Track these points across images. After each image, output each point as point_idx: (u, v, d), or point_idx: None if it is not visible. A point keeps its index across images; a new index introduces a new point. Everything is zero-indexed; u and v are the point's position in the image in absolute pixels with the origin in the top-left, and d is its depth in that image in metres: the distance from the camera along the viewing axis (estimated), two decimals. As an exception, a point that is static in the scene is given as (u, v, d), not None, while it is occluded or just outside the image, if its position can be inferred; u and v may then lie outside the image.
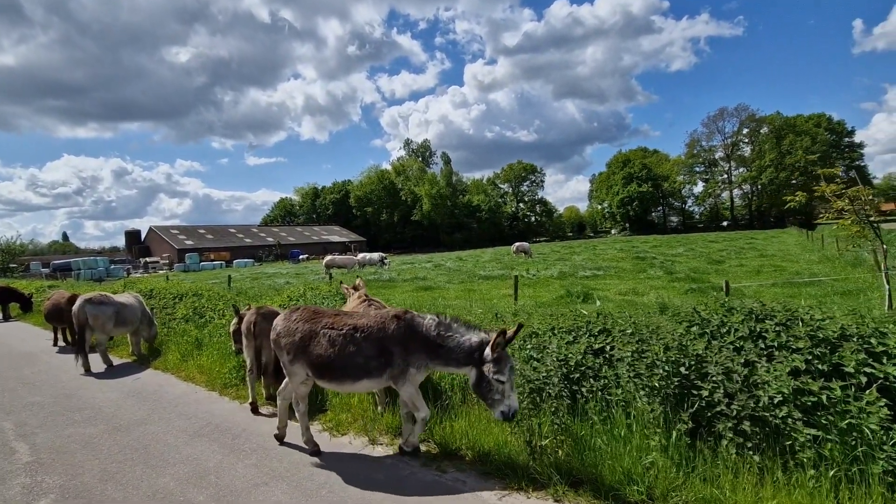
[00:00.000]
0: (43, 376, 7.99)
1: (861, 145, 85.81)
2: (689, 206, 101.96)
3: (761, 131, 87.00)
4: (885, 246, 8.84)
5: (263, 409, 5.73)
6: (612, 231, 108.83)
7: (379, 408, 5.06)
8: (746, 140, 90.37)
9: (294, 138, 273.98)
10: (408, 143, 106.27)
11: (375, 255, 33.95)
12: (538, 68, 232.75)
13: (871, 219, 8.78)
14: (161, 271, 54.66)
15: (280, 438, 4.64)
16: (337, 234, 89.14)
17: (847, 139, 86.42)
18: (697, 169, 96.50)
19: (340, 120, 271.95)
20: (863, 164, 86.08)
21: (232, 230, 79.16)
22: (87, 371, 8.11)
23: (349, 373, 4.07)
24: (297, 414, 4.51)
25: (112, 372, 8.13)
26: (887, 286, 8.54)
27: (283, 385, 4.65)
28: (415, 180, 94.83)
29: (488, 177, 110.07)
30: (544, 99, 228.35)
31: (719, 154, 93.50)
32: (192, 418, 5.49)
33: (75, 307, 8.22)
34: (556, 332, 4.97)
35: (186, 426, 5.24)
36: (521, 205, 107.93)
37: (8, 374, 8.27)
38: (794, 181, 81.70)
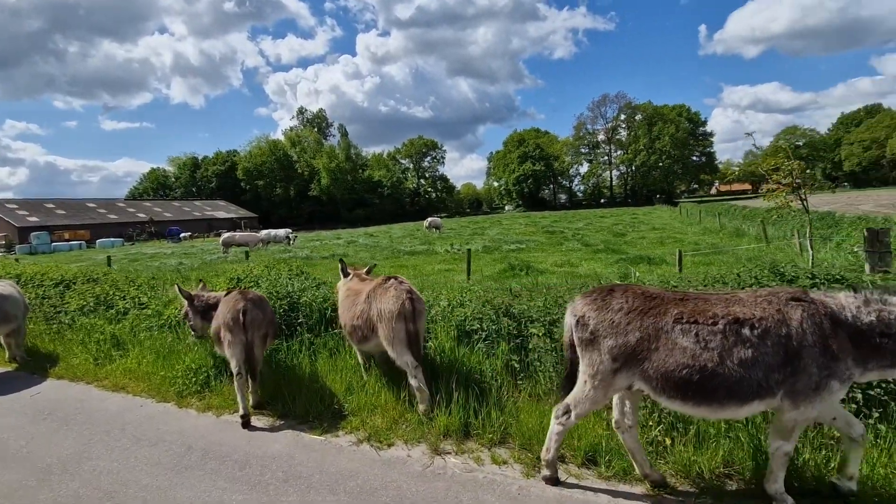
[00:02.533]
0: None
1: (712, 134, 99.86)
2: (576, 185, 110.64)
3: (636, 118, 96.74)
4: (809, 215, 9.96)
5: (256, 421, 4.51)
6: (507, 207, 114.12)
7: (421, 406, 4.20)
8: (624, 125, 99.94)
9: (162, 101, 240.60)
10: (302, 111, 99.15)
11: (281, 232, 31.13)
12: (432, 44, 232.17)
13: (801, 192, 9.79)
14: (-4, 254, 44.54)
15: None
16: (223, 210, 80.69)
17: (701, 129, 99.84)
18: (583, 150, 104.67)
19: (218, 84, 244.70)
20: (712, 150, 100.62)
21: (91, 205, 67.29)
22: (-50, 387, 5.89)
23: (736, 392, 2.65)
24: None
25: (-11, 386, 6.01)
26: (810, 251, 9.72)
27: (573, 401, 3.08)
28: (311, 152, 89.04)
29: (389, 151, 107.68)
30: (438, 76, 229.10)
31: (601, 137, 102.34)
32: (158, 444, 4.09)
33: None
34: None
35: (158, 456, 3.87)
36: (422, 181, 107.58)
37: None
38: (660, 164, 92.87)
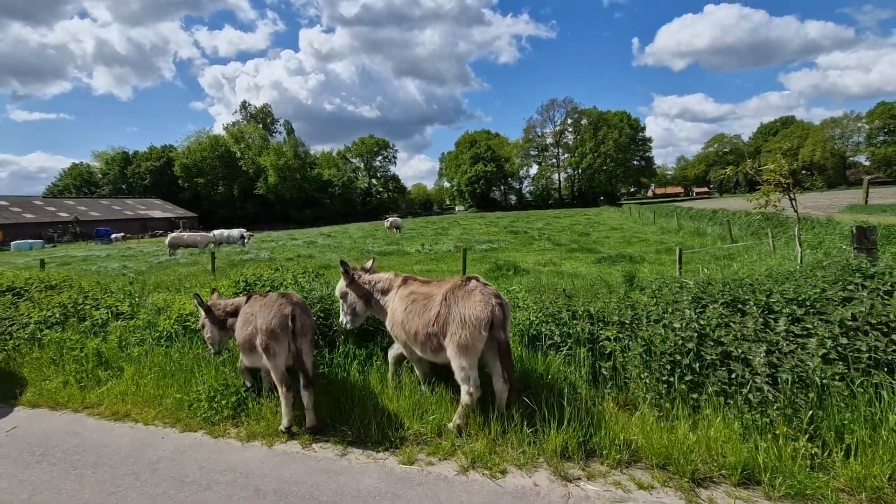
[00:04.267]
0: None
1: (650, 140, 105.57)
2: (527, 187, 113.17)
3: (582, 122, 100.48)
4: (798, 212, 10.43)
5: (321, 449, 3.84)
6: (458, 208, 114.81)
7: (460, 420, 3.71)
8: (571, 129, 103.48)
9: (82, 91, 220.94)
10: (245, 105, 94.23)
11: (234, 232, 29.17)
12: (378, 43, 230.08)
13: (790, 190, 10.22)
14: None
15: None
16: (159, 209, 74.94)
17: (641, 134, 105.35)
18: (532, 152, 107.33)
19: (148, 75, 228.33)
20: (651, 155, 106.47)
21: (3, 203, 60.08)
22: None
23: None
24: None
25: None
26: (799, 248, 10.16)
27: None
28: (256, 149, 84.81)
29: (339, 150, 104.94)
30: (385, 76, 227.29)
31: (550, 140, 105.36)
32: (212, 487, 3.30)
33: None
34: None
35: None
36: (373, 180, 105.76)
37: None
38: (605, 167, 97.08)
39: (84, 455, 3.92)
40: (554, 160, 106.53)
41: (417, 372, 4.61)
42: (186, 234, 26.62)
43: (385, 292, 4.78)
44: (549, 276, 13.30)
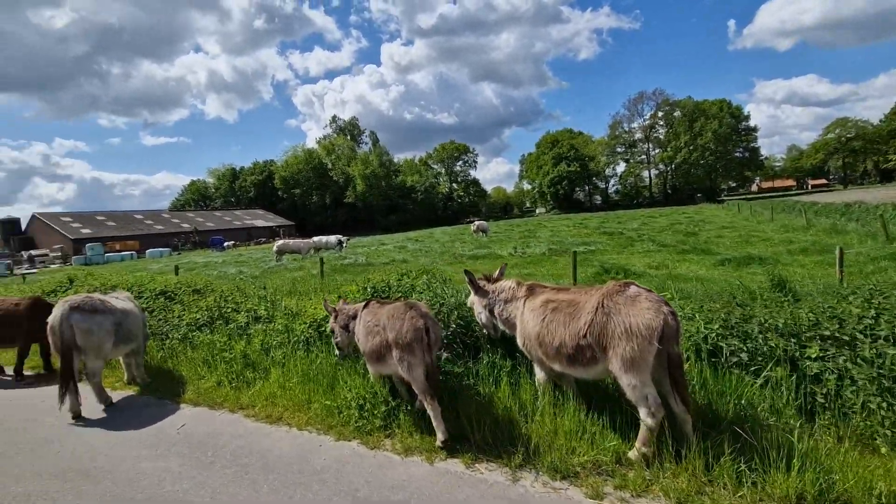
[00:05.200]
0: (5, 433, 4.95)
1: (756, 129, 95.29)
2: (613, 186, 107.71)
3: (675, 114, 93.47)
4: None
5: (466, 470, 3.54)
6: (539, 210, 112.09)
7: (646, 447, 3.13)
8: (662, 122, 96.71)
9: (198, 117, 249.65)
10: (335, 119, 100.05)
11: (332, 238, 30.69)
12: (455, 51, 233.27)
13: None
14: (53, 266, 45.91)
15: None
16: (262, 219, 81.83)
17: (744, 123, 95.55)
18: (619, 150, 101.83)
19: (250, 98, 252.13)
20: (756, 145, 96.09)
21: (138, 216, 69.22)
22: (78, 416, 5.19)
23: None
24: None
25: (121, 415, 5.28)
26: None
27: None
28: (346, 160, 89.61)
29: (420, 157, 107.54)
30: (462, 82, 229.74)
31: (638, 136, 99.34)
32: None
33: (56, 319, 5.18)
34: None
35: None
36: (454, 185, 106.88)
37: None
38: (702, 161, 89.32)
39: (251, 459, 3.98)
40: (643, 156, 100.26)
41: (566, 389, 4.17)
42: (292, 241, 28.49)
43: (508, 302, 4.42)
44: (663, 280, 12.17)
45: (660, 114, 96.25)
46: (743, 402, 3.63)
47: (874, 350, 3.52)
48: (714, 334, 4.20)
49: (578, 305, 3.77)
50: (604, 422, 3.73)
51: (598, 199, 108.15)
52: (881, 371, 3.33)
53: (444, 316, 5.13)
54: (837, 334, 3.78)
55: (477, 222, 39.88)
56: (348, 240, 31.71)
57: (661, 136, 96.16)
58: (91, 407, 5.41)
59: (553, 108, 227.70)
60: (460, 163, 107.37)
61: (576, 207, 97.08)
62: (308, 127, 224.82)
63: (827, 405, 3.51)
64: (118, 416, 5.22)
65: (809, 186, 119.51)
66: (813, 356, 3.79)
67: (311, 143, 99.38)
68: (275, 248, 28.18)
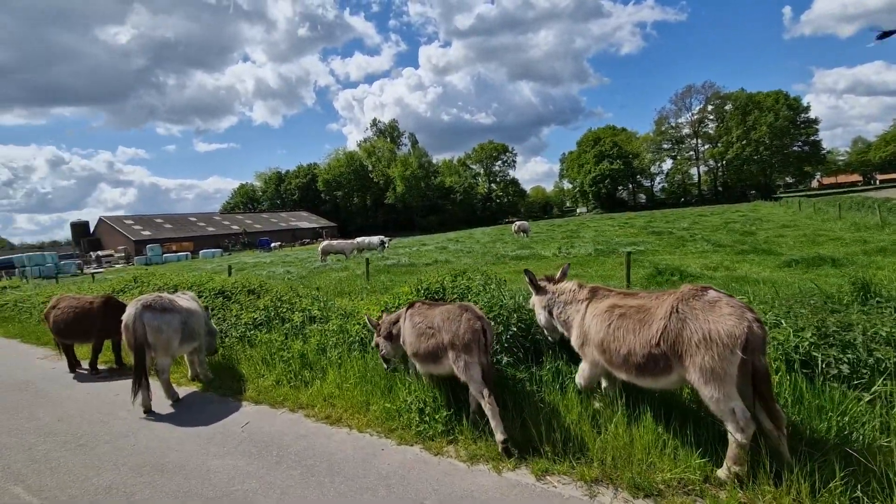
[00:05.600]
0: (79, 425, 5.21)
1: (816, 121, 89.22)
2: (659, 183, 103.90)
3: (726, 108, 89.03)
4: None
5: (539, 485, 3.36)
6: (580, 209, 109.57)
7: (737, 466, 2.81)
8: (712, 116, 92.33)
9: (246, 123, 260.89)
10: (375, 122, 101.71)
11: (375, 239, 31.15)
12: (492, 51, 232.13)
13: None
14: (118, 265, 49.06)
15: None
16: (305, 220, 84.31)
17: (803, 115, 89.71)
18: (665, 146, 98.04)
19: (294, 104, 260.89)
20: (818, 139, 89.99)
21: (192, 219, 72.93)
22: (149, 410, 5.40)
23: None
24: None
25: (188, 411, 5.45)
26: None
27: None
28: (385, 162, 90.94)
29: (459, 157, 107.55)
30: (500, 81, 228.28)
31: (686, 131, 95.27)
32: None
33: (130, 317, 5.42)
34: None
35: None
36: (493, 185, 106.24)
37: (13, 423, 5.40)
38: (756, 156, 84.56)
39: (316, 461, 3.98)
40: (691, 152, 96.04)
41: (607, 391, 3.94)
42: (336, 242, 29.09)
43: (568, 304, 4.21)
44: (726, 282, 11.48)
45: (709, 107, 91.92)
46: (846, 419, 3.28)
47: None
48: (806, 343, 3.83)
49: (650, 311, 3.52)
50: (686, 436, 3.47)
51: (642, 197, 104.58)
52: None
53: (504, 318, 4.98)
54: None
55: (518, 222, 39.40)
56: (390, 240, 32.09)
57: (711, 131, 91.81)
58: (160, 402, 5.62)
59: (594, 105, 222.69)
60: (499, 163, 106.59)
61: (619, 206, 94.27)
62: (349, 130, 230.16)
63: (951, 426, 3.11)
64: (185, 412, 5.39)
65: (878, 182, 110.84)
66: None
67: (351, 146, 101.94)
68: (319, 249, 28.88)
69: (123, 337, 5.55)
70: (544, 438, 3.72)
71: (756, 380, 3.09)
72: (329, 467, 3.84)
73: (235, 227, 72.11)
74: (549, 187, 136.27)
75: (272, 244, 59.91)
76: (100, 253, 53.40)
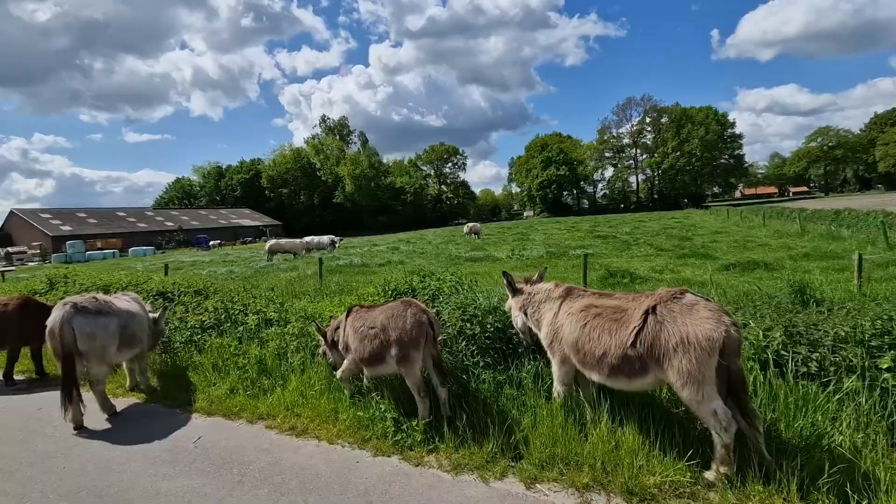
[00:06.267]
0: (2, 446, 4.50)
1: (740, 136, 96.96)
2: (601, 190, 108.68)
3: (662, 120, 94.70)
4: None
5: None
6: (526, 213, 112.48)
7: (724, 468, 2.88)
8: (650, 128, 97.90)
9: (182, 114, 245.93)
10: (324, 119, 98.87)
11: (325, 238, 30.21)
12: (443, 53, 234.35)
13: None
14: (32, 263, 44.36)
15: None
16: (248, 218, 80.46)
17: (729, 131, 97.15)
18: (607, 154, 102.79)
19: (236, 96, 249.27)
20: (741, 153, 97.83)
21: (121, 214, 67.44)
22: (80, 426, 4.77)
23: None
24: None
25: (129, 426, 4.86)
26: None
27: None
28: (334, 160, 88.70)
29: (410, 158, 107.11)
30: (450, 84, 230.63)
31: (626, 141, 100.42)
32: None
33: (56, 322, 4.74)
34: None
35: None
36: (443, 187, 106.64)
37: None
38: (689, 167, 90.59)
39: (285, 477, 3.63)
40: (631, 161, 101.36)
41: (584, 395, 3.93)
42: (284, 241, 27.89)
43: (542, 303, 4.17)
44: (673, 284, 12.04)
45: (647, 119, 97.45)
46: (819, 416, 3.41)
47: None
48: (776, 343, 3.98)
49: (626, 312, 3.51)
50: (669, 438, 3.47)
51: (585, 203, 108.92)
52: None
53: (479, 319, 4.84)
54: None
55: (469, 224, 39.69)
56: (341, 240, 31.21)
57: (649, 142, 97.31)
58: (94, 416, 4.98)
59: (541, 112, 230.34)
60: (449, 165, 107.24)
61: (564, 211, 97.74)
62: (295, 126, 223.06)
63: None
64: (126, 428, 4.80)
65: (791, 193, 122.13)
66: (884, 366, 3.59)
67: (298, 143, 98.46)
68: (266, 248, 27.55)
69: (48, 344, 4.87)
70: (531, 445, 3.60)
71: (731, 381, 3.14)
72: (300, 484, 3.51)
73: (170, 223, 67.52)
74: (497, 190, 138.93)
75: (211, 242, 56.64)
76: (10, 249, 48.07)
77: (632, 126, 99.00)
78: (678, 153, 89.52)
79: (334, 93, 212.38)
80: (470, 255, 23.42)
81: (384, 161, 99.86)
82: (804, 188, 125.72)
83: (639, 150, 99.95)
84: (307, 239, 29.73)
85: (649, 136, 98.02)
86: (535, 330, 4.29)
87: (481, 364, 4.62)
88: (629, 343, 3.34)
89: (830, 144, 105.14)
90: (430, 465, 3.67)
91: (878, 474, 2.79)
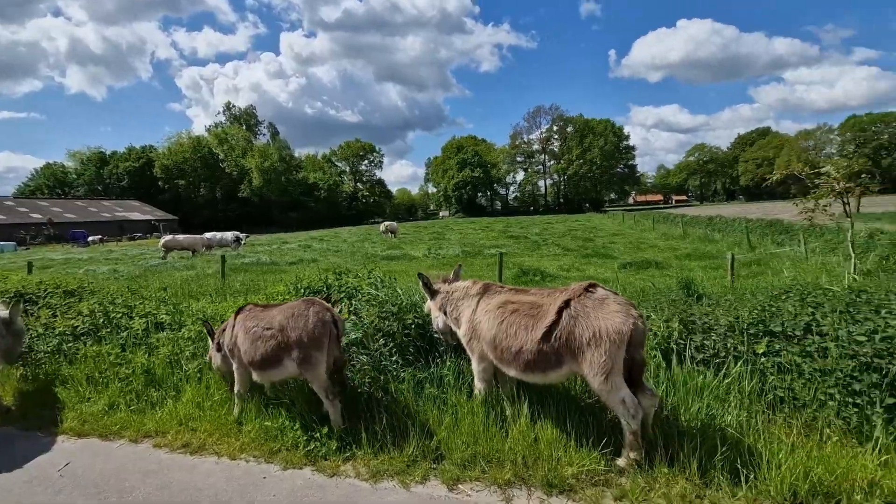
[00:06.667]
0: None
1: (634, 148, 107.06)
2: (512, 193, 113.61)
3: (568, 129, 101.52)
4: (851, 218, 10.14)
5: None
6: (442, 213, 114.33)
7: (633, 454, 3.12)
8: (557, 136, 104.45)
9: (54, 90, 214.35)
10: (229, 107, 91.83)
11: (229, 235, 27.99)
12: (359, 48, 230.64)
13: (845, 195, 9.90)
14: None
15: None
16: (138, 211, 72.19)
17: (625, 142, 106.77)
18: (519, 159, 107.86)
19: (123, 74, 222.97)
20: (634, 163, 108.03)
21: (-31, 202, 56.89)
22: None
23: None
24: None
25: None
26: (853, 254, 9.88)
27: None
28: (240, 151, 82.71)
29: (324, 153, 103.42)
30: (367, 80, 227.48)
31: (536, 147, 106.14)
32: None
33: None
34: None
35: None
36: (359, 184, 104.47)
37: None
38: (590, 174, 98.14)
39: (175, 501, 3.17)
40: (540, 166, 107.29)
41: (503, 392, 4.00)
42: (183, 237, 25.34)
43: (460, 300, 4.19)
44: (579, 281, 12.83)
45: (555, 128, 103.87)
46: (711, 400, 3.72)
47: (816, 345, 3.81)
48: (675, 332, 4.30)
49: (542, 308, 3.60)
50: (583, 429, 3.58)
51: (498, 204, 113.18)
52: (840, 367, 3.58)
53: (401, 317, 4.68)
54: (790, 331, 4.04)
55: (386, 223, 39.28)
56: (247, 237, 29.11)
57: (556, 149, 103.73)
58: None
59: (457, 114, 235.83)
60: (366, 162, 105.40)
61: (478, 212, 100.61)
62: (195, 113, 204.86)
63: (786, 399, 3.72)
64: (-34, 458, 3.92)
65: (674, 201, 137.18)
66: (760, 351, 4.03)
67: (199, 131, 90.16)
68: (161, 244, 24.80)
69: None
70: (453, 445, 3.51)
71: (633, 372, 3.34)
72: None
73: (38, 215, 58.37)
74: (414, 190, 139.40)
75: (90, 238, 49.94)
76: None
77: (541, 133, 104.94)
78: (581, 161, 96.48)
79: (241, 79, 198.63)
80: (387, 253, 23.12)
81: (296, 155, 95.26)
82: (684, 197, 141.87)
83: (547, 157, 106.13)
84: (208, 235, 27.30)
85: (556, 144, 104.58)
86: (454, 328, 4.24)
87: (400, 363, 4.46)
88: (546, 338, 3.41)
89: (705, 159, 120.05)
90: (347, 475, 3.43)
91: (759, 449, 3.10)
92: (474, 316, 3.94)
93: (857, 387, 3.37)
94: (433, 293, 4.41)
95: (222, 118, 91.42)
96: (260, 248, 28.55)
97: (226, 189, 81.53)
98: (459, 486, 3.23)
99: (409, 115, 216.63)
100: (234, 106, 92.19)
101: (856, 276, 8.85)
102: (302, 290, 5.79)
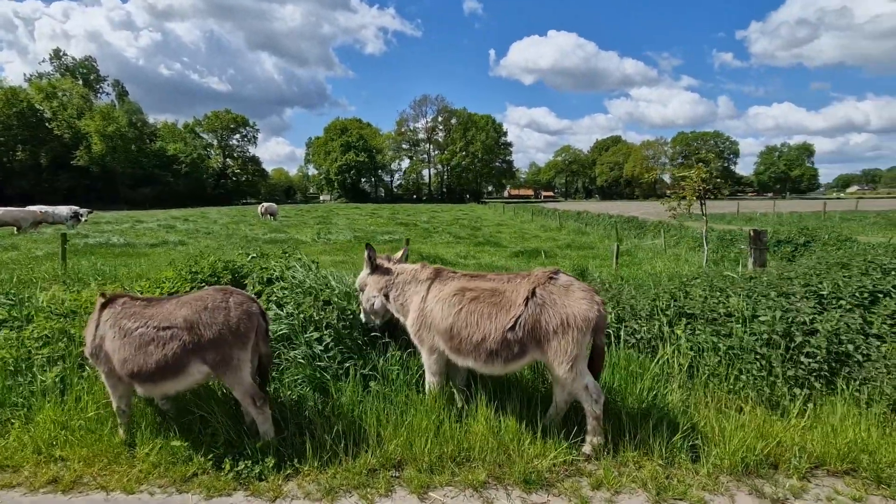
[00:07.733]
0: None
1: (510, 145, 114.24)
2: (397, 180, 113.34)
3: (452, 121, 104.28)
4: (706, 216, 11.84)
5: None
6: (323, 197, 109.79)
7: (597, 439, 3.25)
8: (441, 127, 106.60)
9: None
10: (58, 54, 75.80)
11: (63, 209, 23.22)
12: (230, 9, 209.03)
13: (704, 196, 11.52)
14: None
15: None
16: (-82, 175, 56.08)
17: (503, 139, 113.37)
18: (404, 146, 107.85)
19: None
20: (511, 158, 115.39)
21: None
22: None
23: None
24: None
25: None
26: (706, 246, 11.62)
27: None
28: (75, 110, 68.98)
29: (186, 123, 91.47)
30: (238, 47, 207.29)
31: (422, 136, 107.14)
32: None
33: None
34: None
35: None
36: (229, 160, 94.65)
37: None
38: (472, 167, 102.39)
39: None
40: (425, 156, 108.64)
41: (454, 384, 3.84)
42: (6, 210, 20.18)
43: (407, 284, 3.90)
44: (477, 268, 13.12)
45: (440, 118, 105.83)
46: (651, 381, 3.92)
47: (727, 326, 4.25)
48: (612, 316, 4.47)
49: (504, 295, 3.45)
50: (540, 419, 3.51)
51: (382, 191, 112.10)
52: (757, 344, 3.99)
53: (336, 303, 4.13)
54: (709, 314, 4.43)
55: (265, 204, 36.33)
56: (90, 213, 24.33)
57: (441, 140, 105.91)
58: None
59: (340, 95, 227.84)
60: (237, 136, 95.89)
61: (362, 197, 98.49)
62: (7, 58, 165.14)
63: (712, 375, 4.06)
64: None
65: (542, 196, 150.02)
66: (680, 332, 4.38)
67: (16, 81, 72.98)
68: (-35, 219, 19.39)
69: None
70: (417, 449, 3.16)
71: (595, 358, 3.37)
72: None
73: None
74: (292, 171, 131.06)
75: None
76: None
77: (427, 122, 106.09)
78: (465, 153, 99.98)
79: (73, 25, 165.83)
80: (270, 237, 21.21)
81: (151, 122, 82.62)
82: (551, 193, 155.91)
83: (432, 146, 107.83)
84: (36, 208, 22.20)
85: (441, 135, 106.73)
86: (397, 315, 3.87)
87: (339, 359, 3.93)
88: (511, 327, 3.25)
89: (569, 160, 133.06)
90: (293, 496, 2.86)
91: (712, 425, 3.33)
92: (424, 304, 3.61)
93: (764, 362, 3.83)
94: (375, 269, 3.96)
95: (49, 68, 75.28)
96: (108, 228, 24.07)
97: (54, 154, 67.35)
98: (430, 493, 2.89)
99: (287, 90, 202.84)
100: (65, 54, 76.41)
101: (709, 265, 10.42)
102: (199, 275, 4.82)
